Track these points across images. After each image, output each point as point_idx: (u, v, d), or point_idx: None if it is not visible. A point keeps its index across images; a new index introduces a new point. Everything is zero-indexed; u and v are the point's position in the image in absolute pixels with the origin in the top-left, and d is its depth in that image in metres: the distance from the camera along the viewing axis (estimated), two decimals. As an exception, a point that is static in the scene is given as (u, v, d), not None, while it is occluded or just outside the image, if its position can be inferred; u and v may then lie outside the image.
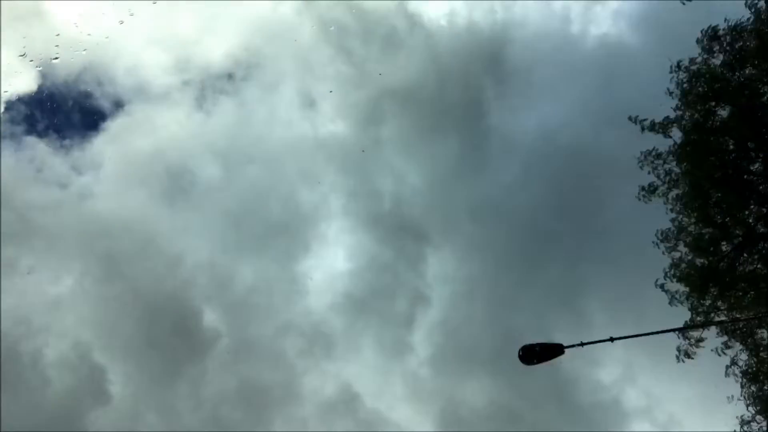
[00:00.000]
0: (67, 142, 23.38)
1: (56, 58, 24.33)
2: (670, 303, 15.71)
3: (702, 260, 15.54)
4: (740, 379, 15.40)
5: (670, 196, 15.95)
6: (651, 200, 16.20)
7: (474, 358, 24.05)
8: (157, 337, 21.95)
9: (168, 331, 22.06)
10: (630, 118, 15.87)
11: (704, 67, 15.06)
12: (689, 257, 15.69)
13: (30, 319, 21.43)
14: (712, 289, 15.28)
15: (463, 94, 26.34)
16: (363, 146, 26.01)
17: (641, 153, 15.99)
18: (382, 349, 23.83)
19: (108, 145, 23.55)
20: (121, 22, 25.55)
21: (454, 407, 23.10)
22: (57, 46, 24.46)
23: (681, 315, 16.75)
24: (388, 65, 26.53)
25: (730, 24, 14.75)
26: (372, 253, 25.20)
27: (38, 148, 23.06)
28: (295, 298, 24.28)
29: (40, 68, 24.20)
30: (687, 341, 15.80)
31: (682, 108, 15.49)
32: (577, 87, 25.76)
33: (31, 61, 24.04)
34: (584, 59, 25.84)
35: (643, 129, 15.83)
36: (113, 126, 24.49)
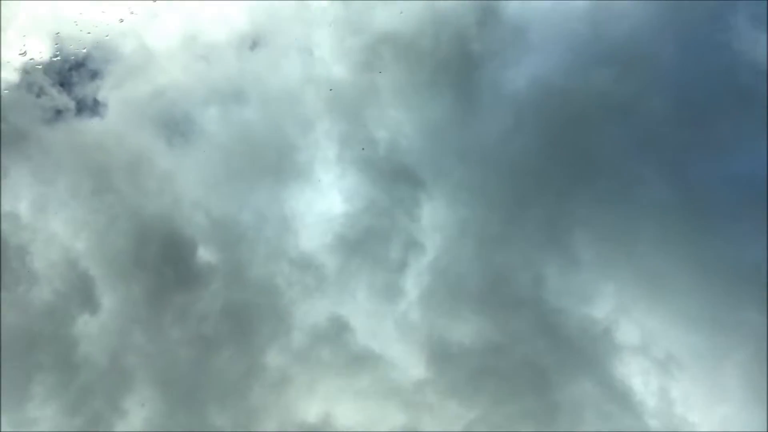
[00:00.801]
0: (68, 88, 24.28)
1: (57, 57, 24.40)
2: None
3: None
4: None
5: None
6: None
7: (464, 298, 24.94)
8: (148, 259, 22.62)
9: (160, 254, 22.78)
10: None
11: None
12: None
13: (18, 216, 22.19)
14: None
15: (457, 45, 27.14)
16: (363, 97, 26.84)
17: None
18: (374, 290, 24.74)
19: (109, 91, 23.96)
20: (121, 21, 25.58)
21: (443, 345, 24.20)
22: (57, 44, 24.48)
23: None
24: (384, 11, 27.08)
25: None
26: (366, 196, 25.98)
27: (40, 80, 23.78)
28: (289, 238, 24.96)
29: (40, 66, 24.17)
30: None
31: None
32: (568, 31, 26.94)
33: (31, 59, 24.10)
34: (575, 5, 27.20)
35: None
36: (115, 72, 24.96)
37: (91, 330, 21.36)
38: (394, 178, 26.21)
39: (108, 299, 22.00)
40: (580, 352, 24.82)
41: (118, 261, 22.14)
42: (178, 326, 22.26)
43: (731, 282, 25.18)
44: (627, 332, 24.96)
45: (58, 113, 23.34)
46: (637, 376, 24.50)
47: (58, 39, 23.70)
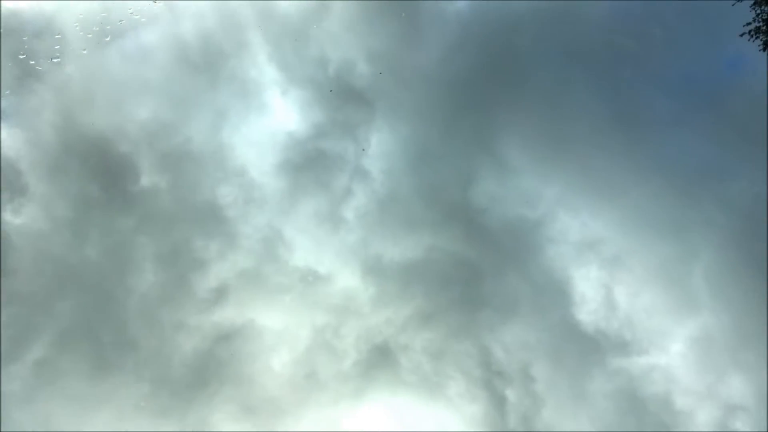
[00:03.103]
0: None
1: (57, 58, 24.36)
2: None
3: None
4: None
5: None
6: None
7: (402, 216, 26.08)
8: (82, 168, 22.67)
9: (99, 170, 22.82)
10: None
11: None
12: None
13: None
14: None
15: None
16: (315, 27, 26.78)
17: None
18: (316, 210, 25.35)
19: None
20: (121, 21, 25.50)
21: (378, 260, 25.04)
22: (57, 47, 24.43)
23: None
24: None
25: None
26: (314, 118, 26.54)
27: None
28: (235, 159, 25.15)
29: (41, 68, 23.96)
30: None
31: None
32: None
33: (32, 62, 23.97)
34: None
35: None
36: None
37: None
38: (343, 100, 26.74)
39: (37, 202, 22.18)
40: (512, 250, 26.22)
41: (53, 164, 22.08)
42: (111, 240, 22.39)
43: (675, 184, 26.32)
44: (567, 231, 26.49)
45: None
46: (578, 272, 25.79)
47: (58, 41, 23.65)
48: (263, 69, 27.17)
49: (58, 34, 24.73)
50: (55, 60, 24.52)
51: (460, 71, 27.82)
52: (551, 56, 28.26)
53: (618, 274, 25.90)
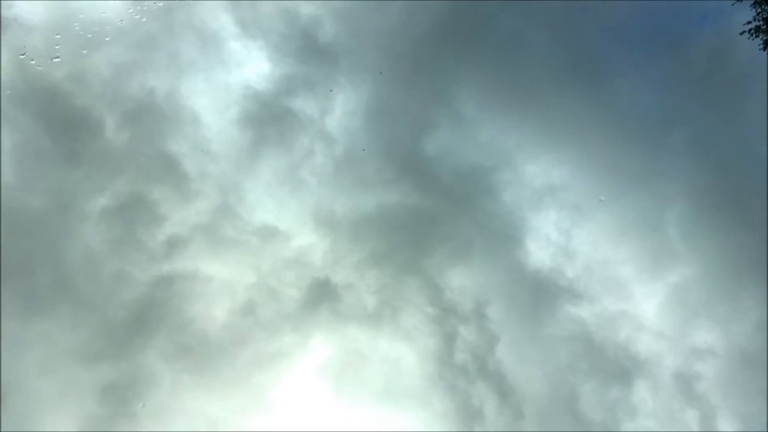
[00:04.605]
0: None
1: (57, 58, 25.28)
2: None
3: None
4: None
5: None
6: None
7: (360, 173, 26.68)
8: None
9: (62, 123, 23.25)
10: None
11: None
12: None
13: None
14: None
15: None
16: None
17: None
18: (276, 165, 25.86)
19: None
20: (121, 21, 26.50)
21: (333, 216, 25.68)
22: (57, 46, 25.25)
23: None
24: None
25: None
26: (280, 72, 26.51)
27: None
28: (197, 112, 24.78)
29: (41, 68, 24.67)
30: None
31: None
32: None
33: (32, 61, 24.77)
34: None
35: None
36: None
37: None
38: (309, 55, 26.75)
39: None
40: (467, 196, 26.43)
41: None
42: (59, 190, 21.90)
43: (637, 133, 26.80)
44: (525, 178, 26.89)
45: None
46: (535, 218, 26.24)
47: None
48: (222, 19, 26.34)
49: (58, 34, 25.29)
50: (55, 60, 25.37)
51: (420, 26, 27.61)
52: (509, 7, 28.25)
53: (578, 222, 25.97)
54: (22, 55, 23.47)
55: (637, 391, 23.75)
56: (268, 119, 26.20)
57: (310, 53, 26.94)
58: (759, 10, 17.02)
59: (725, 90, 26.03)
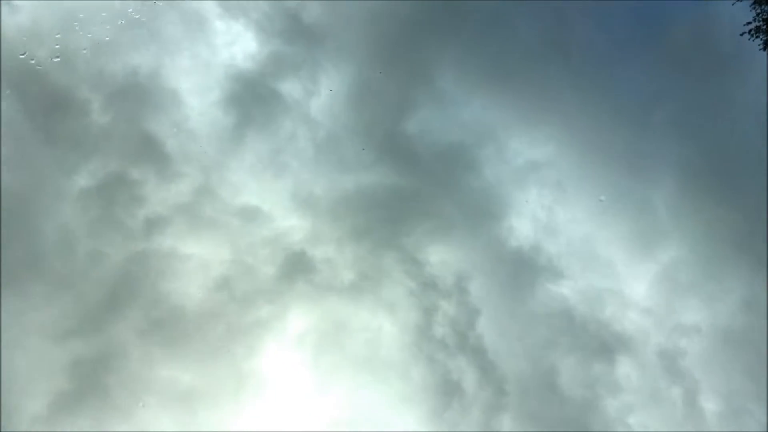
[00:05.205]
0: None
1: (57, 58, 26.10)
2: None
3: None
4: None
5: None
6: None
7: (340, 157, 26.89)
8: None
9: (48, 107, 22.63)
10: None
11: None
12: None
13: None
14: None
15: None
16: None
17: None
18: (259, 146, 25.93)
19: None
20: (122, 22, 27.33)
21: (312, 197, 25.69)
22: (57, 46, 26.04)
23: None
24: None
25: None
26: (265, 52, 26.63)
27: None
28: (181, 95, 24.95)
29: (41, 68, 25.32)
30: None
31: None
32: None
33: (32, 61, 25.62)
34: None
35: None
36: None
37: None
38: (295, 35, 26.79)
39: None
40: (448, 173, 26.46)
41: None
42: (37, 170, 22.02)
43: (621, 112, 26.91)
44: (507, 155, 27.01)
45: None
46: (517, 195, 26.47)
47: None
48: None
49: (58, 34, 26.14)
50: (55, 59, 26.20)
51: (402, 4, 27.66)
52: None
53: (560, 199, 26.34)
54: (22, 55, 24.38)
55: (620, 368, 23.96)
56: (252, 99, 26.51)
57: (294, 34, 27.21)
58: (759, 10, 16.99)
59: (709, 68, 26.21)
